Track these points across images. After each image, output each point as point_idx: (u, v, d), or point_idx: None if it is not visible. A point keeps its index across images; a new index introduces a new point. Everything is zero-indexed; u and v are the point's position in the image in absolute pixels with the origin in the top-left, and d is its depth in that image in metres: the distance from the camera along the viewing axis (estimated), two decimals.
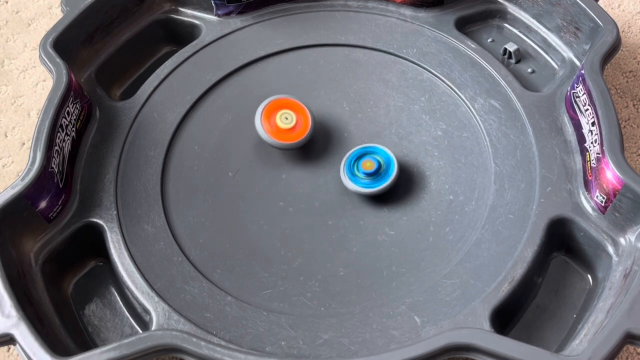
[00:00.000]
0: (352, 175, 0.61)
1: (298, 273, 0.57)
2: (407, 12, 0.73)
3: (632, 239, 0.54)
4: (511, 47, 0.70)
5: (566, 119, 0.63)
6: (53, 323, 0.54)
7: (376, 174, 0.60)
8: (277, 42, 0.71)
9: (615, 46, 0.62)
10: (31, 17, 0.83)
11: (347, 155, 0.62)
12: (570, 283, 0.57)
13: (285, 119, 0.62)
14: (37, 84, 0.77)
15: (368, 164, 0.60)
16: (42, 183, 0.56)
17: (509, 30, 0.73)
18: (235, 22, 0.73)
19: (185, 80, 0.69)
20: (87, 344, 0.55)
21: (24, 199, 0.55)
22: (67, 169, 0.60)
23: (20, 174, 0.56)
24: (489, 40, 0.72)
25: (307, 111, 0.63)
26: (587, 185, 0.58)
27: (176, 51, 0.71)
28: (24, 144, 0.72)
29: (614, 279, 0.54)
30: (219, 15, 0.73)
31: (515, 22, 0.72)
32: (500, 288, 0.54)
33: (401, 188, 0.61)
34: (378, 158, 0.61)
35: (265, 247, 0.59)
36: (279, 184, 0.63)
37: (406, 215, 0.60)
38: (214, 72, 0.69)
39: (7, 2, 0.85)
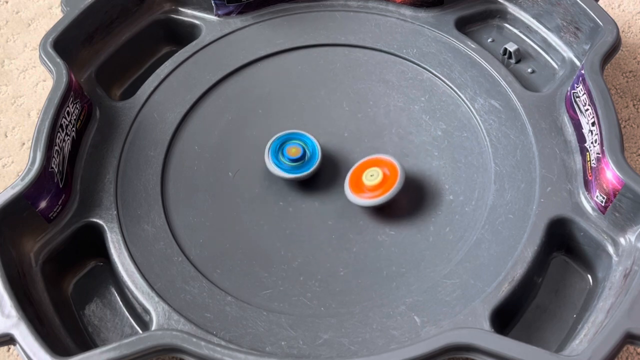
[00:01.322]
0: (277, 160, 0.61)
1: (298, 273, 0.57)
2: (407, 12, 0.73)
3: (632, 239, 0.54)
4: (511, 47, 0.70)
5: (566, 119, 0.63)
6: (53, 323, 0.54)
7: (301, 160, 0.61)
8: (277, 42, 0.71)
9: (615, 46, 0.62)
10: (31, 17, 0.83)
11: (271, 140, 0.62)
12: (570, 283, 0.57)
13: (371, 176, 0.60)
14: (37, 84, 0.77)
15: (293, 150, 0.61)
16: (42, 183, 0.56)
17: (509, 30, 0.73)
18: (235, 22, 0.73)
19: (185, 80, 0.69)
20: (87, 344, 0.55)
21: (24, 199, 0.55)
22: (67, 169, 0.60)
23: (20, 174, 0.56)
24: (489, 40, 0.72)
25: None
26: (587, 185, 0.58)
27: (176, 51, 0.71)
28: (24, 144, 0.72)
29: (614, 279, 0.54)
30: (219, 15, 0.73)
31: (515, 22, 0.72)
32: (500, 288, 0.54)
33: (401, 188, 0.61)
34: (303, 144, 0.62)
35: (265, 247, 0.59)
36: (278, 184, 0.63)
37: (406, 216, 0.60)
38: (214, 72, 0.69)
39: (7, 2, 0.85)
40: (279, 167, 0.61)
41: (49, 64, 0.63)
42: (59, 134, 0.59)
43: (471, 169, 0.62)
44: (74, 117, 0.62)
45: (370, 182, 0.59)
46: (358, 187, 0.60)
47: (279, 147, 0.62)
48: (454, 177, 0.62)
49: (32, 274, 0.56)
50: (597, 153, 0.56)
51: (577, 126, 0.61)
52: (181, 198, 0.62)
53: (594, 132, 0.58)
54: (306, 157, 0.61)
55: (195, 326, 0.53)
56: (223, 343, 0.52)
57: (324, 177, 0.63)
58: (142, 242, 0.58)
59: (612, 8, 0.79)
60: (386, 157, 0.60)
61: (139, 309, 0.56)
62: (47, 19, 0.83)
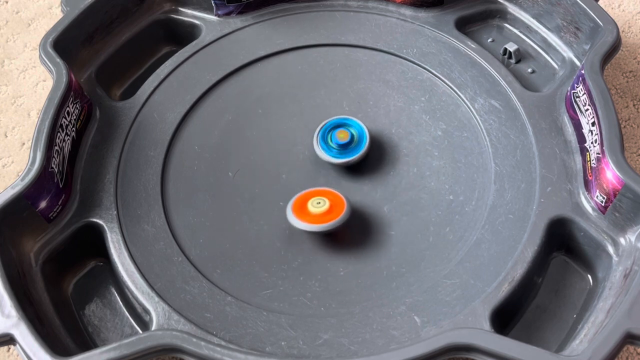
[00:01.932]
0: (325, 145, 0.62)
1: (298, 273, 0.57)
2: (407, 12, 0.73)
3: (632, 239, 0.54)
4: (511, 47, 0.70)
5: (566, 119, 0.63)
6: (53, 323, 0.54)
7: (349, 146, 0.62)
8: (277, 42, 0.71)
9: (615, 46, 0.62)
10: (31, 17, 0.83)
11: (320, 125, 0.63)
12: (570, 283, 0.57)
13: (318, 204, 0.59)
14: (37, 84, 0.77)
15: (341, 135, 0.62)
16: (42, 183, 0.56)
17: (509, 30, 0.73)
18: (235, 22, 0.73)
19: (185, 80, 0.69)
20: (87, 344, 0.55)
21: (24, 199, 0.55)
22: (67, 169, 0.60)
23: (20, 174, 0.56)
24: (489, 40, 0.72)
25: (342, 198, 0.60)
26: (587, 185, 0.58)
27: (176, 51, 0.71)
28: (24, 144, 0.72)
29: (614, 279, 0.54)
30: (219, 15, 0.73)
31: (515, 22, 0.72)
32: (500, 288, 0.54)
33: (401, 188, 0.61)
34: (352, 130, 0.62)
35: (265, 247, 0.59)
36: (278, 183, 0.63)
37: (406, 215, 0.60)
38: (214, 72, 0.69)
39: (7, 2, 0.85)
40: (327, 152, 0.62)
41: (49, 64, 0.63)
42: (59, 134, 0.59)
43: (471, 169, 0.62)
44: (74, 117, 0.62)
45: (317, 209, 0.58)
46: (302, 212, 0.58)
47: (328, 132, 0.63)
48: (454, 177, 0.62)
49: (32, 274, 0.56)
50: (597, 153, 0.56)
51: (577, 126, 0.61)
52: (181, 198, 0.62)
53: (594, 132, 0.58)
54: (354, 142, 0.62)
55: (195, 326, 0.53)
56: (223, 343, 0.52)
57: (324, 177, 0.63)
58: (142, 242, 0.58)
59: (612, 8, 0.79)
60: (332, 190, 0.60)
61: (139, 309, 0.56)
62: (47, 19, 0.83)
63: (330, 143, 0.62)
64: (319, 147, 0.62)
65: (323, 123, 0.63)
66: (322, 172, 0.63)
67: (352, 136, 0.62)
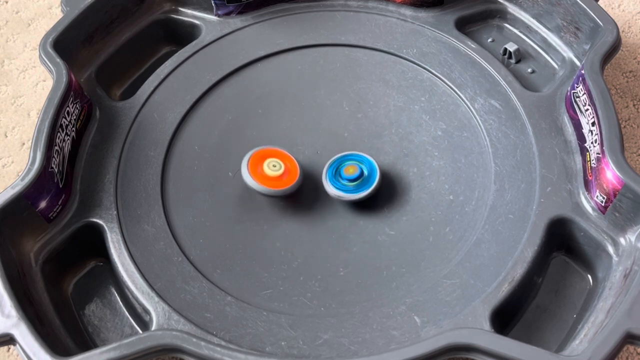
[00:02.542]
0: (335, 181, 0.60)
1: (298, 273, 0.57)
2: (407, 12, 0.73)
3: (632, 239, 0.54)
4: (511, 47, 0.70)
5: (566, 119, 0.63)
6: (53, 323, 0.54)
7: (359, 180, 0.60)
8: (277, 42, 0.71)
9: (615, 46, 0.62)
10: (31, 17, 0.83)
11: (329, 161, 0.61)
12: (570, 283, 0.57)
13: (274, 167, 0.60)
14: (37, 84, 0.77)
15: (351, 170, 0.60)
16: (42, 183, 0.56)
17: (509, 30, 0.73)
18: (235, 22, 0.73)
19: (185, 80, 0.69)
20: (87, 344, 0.55)
21: (24, 199, 0.55)
22: (67, 169, 0.60)
23: (20, 174, 0.56)
24: (489, 40, 0.72)
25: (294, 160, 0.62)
26: (587, 185, 0.58)
27: (176, 51, 0.71)
28: (24, 144, 0.72)
29: (614, 279, 0.54)
30: (219, 15, 0.73)
31: (515, 22, 0.72)
32: (500, 288, 0.54)
33: (401, 188, 0.61)
34: (361, 165, 0.61)
35: (265, 247, 0.59)
36: None
37: (406, 215, 0.60)
38: (214, 72, 0.69)
39: (7, 2, 0.85)
40: (339, 189, 0.60)
41: (49, 64, 0.63)
42: (59, 134, 0.59)
43: (471, 169, 0.62)
44: (74, 117, 0.62)
45: (273, 172, 0.59)
46: (257, 174, 0.59)
47: (336, 169, 0.61)
48: (454, 177, 0.62)
49: (32, 274, 0.56)
50: (597, 153, 0.56)
51: (577, 126, 0.61)
52: (181, 198, 0.62)
53: (594, 132, 0.58)
54: (364, 176, 0.60)
55: (195, 326, 0.53)
56: (223, 343, 0.52)
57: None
58: (142, 242, 0.58)
59: (612, 8, 0.79)
60: (282, 150, 0.61)
61: (139, 309, 0.56)
62: (47, 19, 0.83)
63: (341, 179, 0.60)
64: (328, 184, 0.60)
65: (333, 159, 0.62)
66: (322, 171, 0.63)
67: (362, 171, 0.60)
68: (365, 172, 0.60)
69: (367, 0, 0.74)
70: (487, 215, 0.58)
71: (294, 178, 0.60)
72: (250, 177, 0.59)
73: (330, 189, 0.60)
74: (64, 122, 0.60)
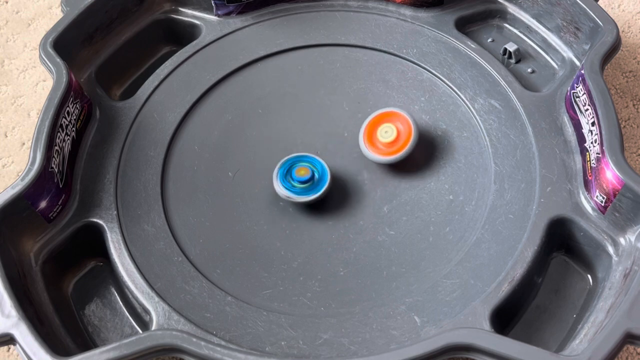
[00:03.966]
0: (285, 181, 0.60)
1: (298, 273, 0.57)
2: (407, 12, 0.73)
3: (632, 239, 0.54)
4: (511, 47, 0.70)
5: (566, 119, 0.63)
6: (53, 323, 0.54)
7: (310, 182, 0.60)
8: (277, 42, 0.71)
9: (615, 46, 0.62)
10: (31, 17, 0.83)
11: (279, 163, 0.61)
12: (570, 283, 0.57)
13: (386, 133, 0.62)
14: (37, 84, 0.77)
15: (302, 172, 0.60)
16: (42, 183, 0.56)
17: (509, 30, 0.73)
18: (235, 22, 0.73)
19: (185, 80, 0.69)
20: (87, 344, 0.55)
21: (24, 199, 0.55)
22: (67, 169, 0.60)
23: (20, 174, 0.56)
24: (489, 40, 0.72)
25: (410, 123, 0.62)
26: (587, 185, 0.58)
27: (176, 51, 0.71)
28: (24, 144, 0.72)
29: (614, 279, 0.54)
30: (219, 15, 0.73)
31: (515, 22, 0.72)
32: (500, 288, 0.54)
33: (401, 188, 0.61)
34: (312, 167, 0.61)
35: (265, 247, 0.59)
36: None
37: (406, 215, 0.60)
38: (214, 72, 0.69)
39: (7, 2, 0.85)
40: (288, 189, 0.60)
41: (49, 64, 0.63)
42: (59, 134, 0.59)
43: (471, 169, 0.62)
44: (74, 117, 0.62)
45: (385, 139, 0.61)
46: (373, 143, 0.62)
47: (287, 170, 0.61)
48: (454, 177, 0.62)
49: (32, 274, 0.56)
50: (597, 153, 0.56)
51: (577, 126, 0.61)
52: (181, 198, 0.62)
53: (594, 132, 0.58)
54: (315, 179, 0.60)
55: (195, 326, 0.53)
56: (223, 343, 0.52)
57: None
58: (142, 242, 0.58)
59: (612, 8, 0.79)
60: (398, 111, 0.62)
61: (139, 309, 0.56)
62: (47, 19, 0.83)
63: (292, 181, 0.60)
64: (279, 185, 0.60)
65: (282, 161, 0.61)
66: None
67: (313, 173, 0.60)
68: (317, 176, 0.60)
69: (367, 0, 0.74)
70: (487, 215, 0.58)
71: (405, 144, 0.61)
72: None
73: (279, 189, 0.60)
74: (64, 122, 0.60)
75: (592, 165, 0.57)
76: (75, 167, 0.62)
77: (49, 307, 0.55)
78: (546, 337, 0.55)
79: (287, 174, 0.60)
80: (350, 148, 0.64)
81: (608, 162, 0.54)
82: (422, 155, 0.63)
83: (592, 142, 0.58)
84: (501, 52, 0.71)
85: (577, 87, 0.61)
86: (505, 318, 0.55)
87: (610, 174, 0.54)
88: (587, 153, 0.59)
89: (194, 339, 0.49)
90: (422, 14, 0.72)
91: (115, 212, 0.59)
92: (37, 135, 0.58)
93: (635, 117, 0.70)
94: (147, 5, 0.73)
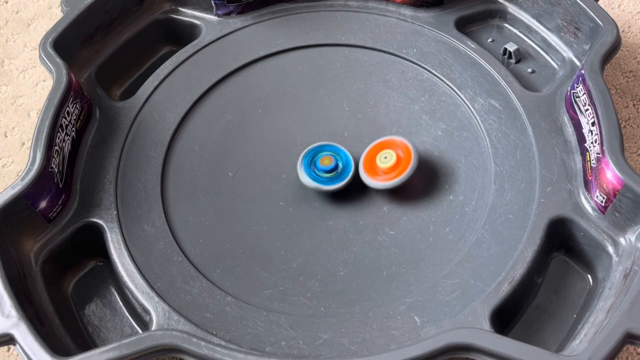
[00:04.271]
0: (310, 171, 0.61)
1: (298, 273, 0.57)
2: (407, 12, 0.73)
3: (632, 239, 0.54)
4: (511, 47, 0.70)
5: (566, 119, 0.63)
6: (53, 323, 0.54)
7: (334, 171, 0.61)
8: (277, 42, 0.71)
9: (615, 46, 0.62)
10: (31, 17, 0.83)
11: (304, 151, 0.62)
12: (570, 283, 0.57)
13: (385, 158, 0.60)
14: (37, 84, 0.77)
15: (326, 161, 0.61)
16: (42, 183, 0.56)
17: (509, 30, 0.73)
18: (235, 22, 0.73)
19: (185, 80, 0.69)
20: (87, 344, 0.55)
21: (24, 199, 0.55)
22: (67, 169, 0.60)
23: (20, 174, 0.56)
24: (489, 40, 0.72)
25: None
26: (587, 185, 0.58)
27: (176, 51, 0.71)
28: (24, 144, 0.72)
29: (614, 279, 0.54)
30: (219, 15, 0.73)
31: (515, 22, 0.72)
32: (500, 288, 0.54)
33: (401, 188, 0.61)
34: (336, 156, 0.61)
35: (265, 247, 0.59)
36: (279, 183, 0.63)
37: (406, 215, 0.60)
38: (214, 72, 0.69)
39: (7, 2, 0.85)
40: (312, 178, 0.60)
41: (49, 64, 0.63)
42: (59, 134, 0.59)
43: (471, 169, 0.62)
44: (74, 117, 0.62)
45: (384, 164, 0.60)
46: (372, 170, 0.60)
47: (312, 159, 0.61)
48: (454, 177, 0.62)
49: (32, 274, 0.56)
50: (597, 153, 0.56)
51: (577, 126, 0.61)
52: (181, 198, 0.62)
53: (594, 132, 0.58)
54: (339, 169, 0.61)
55: (195, 326, 0.53)
56: (223, 343, 0.52)
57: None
58: (142, 242, 0.58)
59: (612, 8, 0.79)
60: (399, 139, 0.61)
61: (139, 309, 0.56)
62: (47, 19, 0.83)
63: (316, 170, 0.61)
64: (303, 174, 0.61)
65: (308, 149, 0.62)
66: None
67: (337, 163, 0.61)
68: (341, 165, 0.61)
69: (367, 0, 0.74)
70: (487, 215, 0.58)
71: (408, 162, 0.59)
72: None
73: (305, 179, 0.61)
74: (64, 122, 0.60)
75: (592, 165, 0.57)
76: (75, 167, 0.62)
77: (49, 307, 0.55)
78: (546, 337, 0.55)
79: (311, 163, 0.61)
80: (349, 148, 0.64)
81: (608, 162, 0.54)
82: (422, 155, 0.63)
83: (592, 142, 0.58)
84: (501, 52, 0.71)
85: (577, 87, 0.61)
86: (505, 318, 0.55)
87: (611, 174, 0.54)
88: (587, 153, 0.59)
89: (194, 339, 0.49)
90: (422, 14, 0.72)
91: (115, 212, 0.59)
92: (37, 135, 0.58)
93: (635, 117, 0.70)
94: (147, 5, 0.73)
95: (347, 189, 0.61)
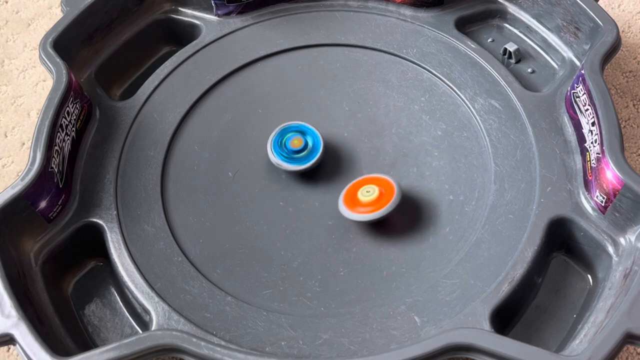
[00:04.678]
0: (279, 150, 0.62)
1: (298, 273, 0.57)
2: (407, 12, 0.73)
3: (632, 239, 0.54)
4: (511, 47, 0.70)
5: (566, 119, 0.63)
6: (53, 323, 0.54)
7: (302, 152, 0.61)
8: (277, 42, 0.71)
9: (615, 46, 0.62)
10: (31, 17, 0.83)
11: (275, 131, 0.63)
12: (570, 283, 0.57)
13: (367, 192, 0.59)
14: (37, 84, 0.77)
15: (296, 142, 0.61)
16: (42, 183, 0.56)
17: (509, 30, 0.73)
18: (235, 22, 0.73)
19: (185, 80, 0.69)
20: (87, 344, 0.55)
21: (24, 199, 0.55)
22: (67, 169, 0.60)
23: (20, 174, 0.56)
24: (489, 40, 0.72)
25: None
26: (587, 185, 0.58)
27: (176, 51, 0.71)
28: (24, 144, 0.72)
29: (614, 279, 0.54)
30: (219, 15, 0.73)
31: (515, 22, 0.72)
32: (500, 288, 0.54)
33: (401, 188, 0.61)
34: (306, 137, 0.62)
35: (265, 247, 0.59)
36: (278, 183, 0.63)
37: (406, 215, 0.60)
38: (214, 72, 0.69)
39: (7, 2, 0.85)
40: (280, 158, 0.61)
41: (49, 64, 0.63)
42: (59, 134, 0.59)
43: (471, 169, 0.62)
44: (74, 117, 0.62)
45: (366, 197, 0.58)
46: (353, 202, 0.59)
47: (282, 139, 0.62)
48: (454, 177, 0.62)
49: (32, 274, 0.56)
50: (597, 153, 0.56)
51: (577, 126, 0.61)
52: (181, 198, 0.62)
53: (594, 132, 0.58)
54: (307, 149, 0.62)
55: (195, 326, 0.53)
56: (223, 343, 0.52)
57: (324, 177, 0.63)
58: (142, 242, 0.58)
59: (612, 8, 0.79)
60: (384, 177, 0.60)
61: (139, 309, 0.56)
62: (47, 19, 0.83)
63: (283, 149, 0.62)
64: (272, 153, 0.62)
65: (278, 128, 0.63)
66: (322, 171, 0.63)
67: (306, 143, 0.62)
68: (310, 144, 0.62)
69: (367, 0, 0.74)
70: (487, 215, 0.58)
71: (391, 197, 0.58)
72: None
73: (274, 158, 0.61)
74: (64, 122, 0.60)
75: (592, 165, 0.57)
76: (75, 167, 0.62)
77: (49, 307, 0.55)
78: (546, 337, 0.55)
79: (281, 144, 0.62)
80: (350, 148, 0.64)
81: (608, 162, 0.54)
82: (422, 155, 0.63)
83: (592, 142, 0.58)
84: (501, 52, 0.71)
85: (577, 87, 0.61)
86: (505, 318, 0.55)
87: (611, 174, 0.54)
88: (587, 153, 0.59)
89: (194, 339, 0.49)
90: (422, 14, 0.72)
91: (115, 212, 0.59)
92: (37, 135, 0.58)
93: (635, 117, 0.70)
94: (147, 5, 0.73)
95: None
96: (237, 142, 0.65)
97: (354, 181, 0.60)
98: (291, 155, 0.62)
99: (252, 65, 0.70)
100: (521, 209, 0.58)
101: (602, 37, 0.63)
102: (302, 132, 0.63)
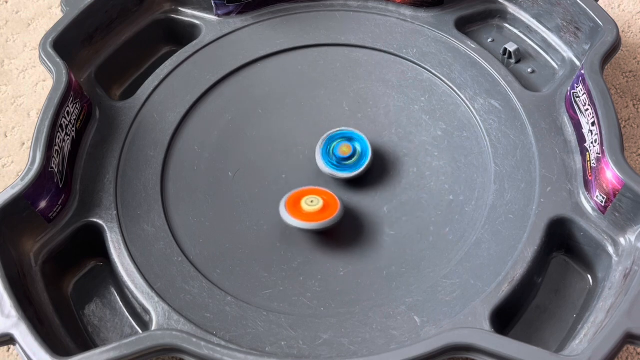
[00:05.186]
0: (327, 157, 0.61)
1: (298, 273, 0.57)
2: (407, 12, 0.73)
3: (632, 239, 0.54)
4: (511, 47, 0.70)
5: (566, 119, 0.63)
6: (53, 323, 0.54)
7: (350, 159, 0.61)
8: (277, 42, 0.71)
9: (615, 46, 0.62)
10: (31, 17, 0.83)
11: (323, 137, 0.62)
12: (570, 283, 0.57)
13: (312, 202, 0.58)
14: (37, 84, 0.77)
15: (344, 149, 0.61)
16: (42, 183, 0.56)
17: (509, 30, 0.73)
18: (235, 22, 0.73)
19: (185, 80, 0.69)
20: (87, 344, 0.55)
21: (24, 199, 0.55)
22: (67, 169, 0.60)
23: (20, 174, 0.56)
24: (489, 40, 0.72)
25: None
26: (587, 185, 0.58)
27: (176, 51, 0.71)
28: (24, 144, 0.72)
29: (614, 279, 0.54)
30: (219, 15, 0.73)
31: (515, 22, 0.72)
32: (500, 288, 0.54)
33: (401, 188, 0.61)
34: (355, 144, 0.62)
35: (265, 247, 0.59)
36: (279, 183, 0.63)
37: (406, 215, 0.60)
38: (214, 72, 0.69)
39: (7, 2, 0.85)
40: (331, 167, 0.61)
41: (49, 64, 0.63)
42: (59, 134, 0.59)
43: (471, 169, 0.62)
44: (74, 117, 0.62)
45: (311, 207, 0.58)
46: (297, 212, 0.58)
47: (329, 147, 0.62)
48: (454, 177, 0.62)
49: (32, 274, 0.56)
50: (597, 153, 0.56)
51: (577, 126, 0.61)
52: (181, 198, 0.62)
53: (594, 132, 0.58)
54: (356, 155, 0.61)
55: (195, 326, 0.53)
56: (223, 343, 0.52)
57: (324, 177, 0.63)
58: (142, 242, 0.58)
59: (612, 8, 0.79)
60: (324, 190, 0.60)
61: (139, 309, 0.56)
62: (47, 19, 0.83)
63: (332, 155, 0.62)
64: (320, 159, 0.62)
65: (327, 134, 0.63)
66: (321, 172, 0.63)
67: (355, 150, 0.62)
68: (359, 150, 0.61)
69: (367, 0, 0.74)
70: (487, 215, 0.58)
71: (334, 212, 0.58)
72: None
73: (323, 166, 0.61)
74: (64, 122, 0.60)
75: (592, 165, 0.57)
76: (75, 167, 0.62)
77: (49, 307, 0.55)
78: (546, 337, 0.55)
79: (329, 151, 0.62)
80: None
81: (608, 162, 0.54)
82: (422, 155, 0.63)
83: (592, 142, 0.58)
84: (501, 52, 0.71)
85: (577, 87, 0.61)
86: (505, 318, 0.55)
87: (611, 174, 0.54)
88: (587, 153, 0.59)
89: (194, 339, 0.49)
90: (422, 14, 0.72)
91: (115, 212, 0.59)
92: (37, 135, 0.58)
93: (635, 117, 0.70)
94: (147, 5, 0.73)
95: (347, 189, 0.61)
96: (237, 142, 0.65)
97: (297, 190, 0.60)
98: (341, 162, 0.61)
99: (252, 65, 0.70)
100: (521, 209, 0.58)
101: (602, 37, 0.63)
102: (349, 139, 0.62)
